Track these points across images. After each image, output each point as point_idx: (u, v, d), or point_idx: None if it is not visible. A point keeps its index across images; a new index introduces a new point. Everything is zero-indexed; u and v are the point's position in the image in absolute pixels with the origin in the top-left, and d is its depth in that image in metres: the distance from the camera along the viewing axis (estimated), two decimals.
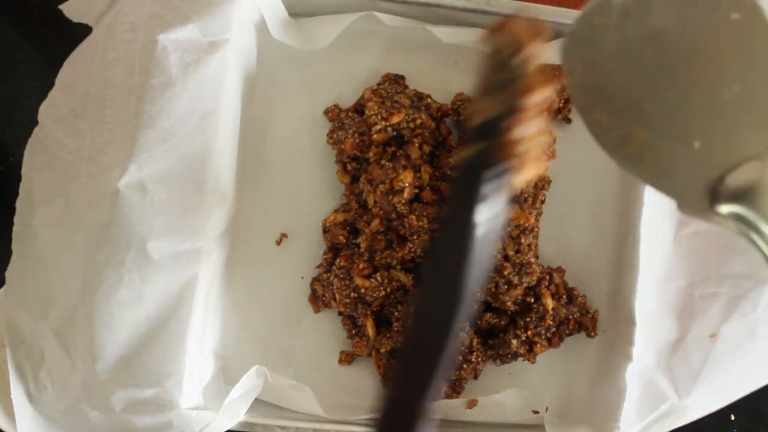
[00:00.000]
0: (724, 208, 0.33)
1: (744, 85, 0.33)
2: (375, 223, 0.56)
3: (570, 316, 0.58)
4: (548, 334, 0.58)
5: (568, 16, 0.57)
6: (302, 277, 0.60)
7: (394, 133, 0.58)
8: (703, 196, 0.34)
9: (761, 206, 0.32)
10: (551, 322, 0.57)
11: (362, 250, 0.57)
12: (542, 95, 0.37)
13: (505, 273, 0.55)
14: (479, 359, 0.57)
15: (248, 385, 0.55)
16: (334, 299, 0.58)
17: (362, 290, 0.56)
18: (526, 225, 0.56)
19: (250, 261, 0.59)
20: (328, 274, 0.58)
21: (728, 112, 0.33)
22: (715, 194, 0.33)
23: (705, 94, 0.34)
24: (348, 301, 0.57)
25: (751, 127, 0.33)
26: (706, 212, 0.34)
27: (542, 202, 0.58)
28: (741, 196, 0.32)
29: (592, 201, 0.61)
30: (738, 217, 0.33)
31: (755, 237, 0.32)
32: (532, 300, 0.57)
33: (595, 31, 0.37)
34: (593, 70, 0.38)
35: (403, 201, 0.55)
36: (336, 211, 0.59)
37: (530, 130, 0.37)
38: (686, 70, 0.35)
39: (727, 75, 0.33)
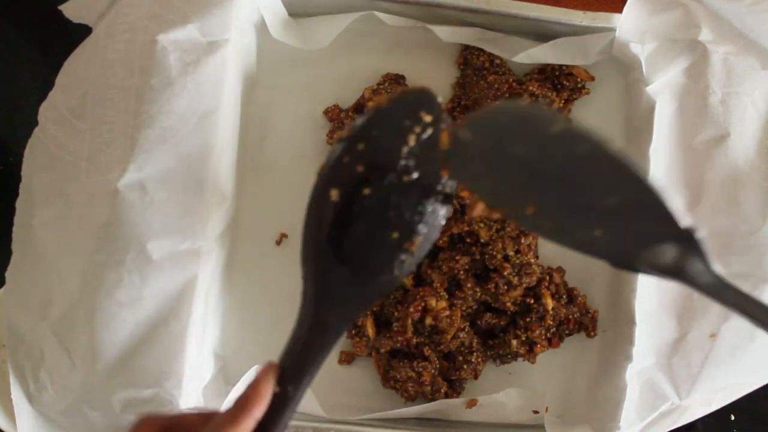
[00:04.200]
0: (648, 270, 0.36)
1: (619, 196, 0.36)
2: None
3: (570, 316, 0.58)
4: (548, 334, 0.58)
5: (568, 16, 0.57)
6: (303, 278, 0.60)
7: None
8: (627, 261, 0.37)
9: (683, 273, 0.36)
10: (551, 322, 0.57)
11: None
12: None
13: (505, 273, 0.55)
14: (479, 359, 0.57)
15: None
16: None
17: None
18: None
19: (250, 261, 0.59)
20: None
21: (614, 213, 0.37)
22: (641, 262, 0.36)
23: (585, 201, 0.37)
24: None
25: (644, 219, 0.36)
26: (634, 272, 0.37)
27: None
28: (661, 267, 0.36)
29: None
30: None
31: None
32: (532, 300, 0.57)
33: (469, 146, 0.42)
34: (482, 165, 0.41)
35: None
36: None
37: None
38: (559, 185, 0.38)
39: (598, 189, 0.37)
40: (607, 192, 0.37)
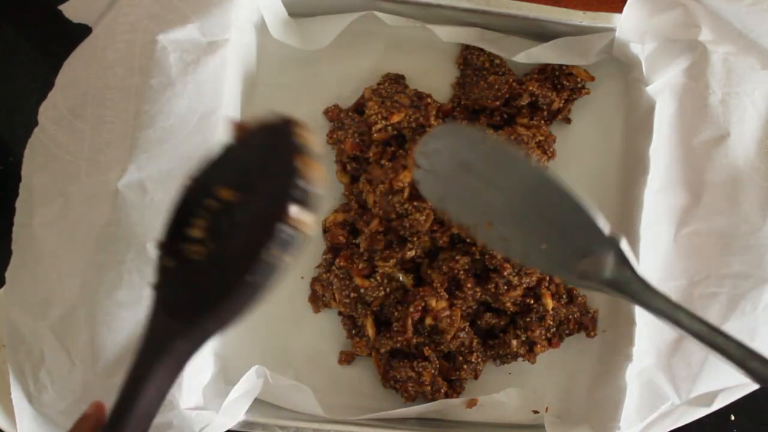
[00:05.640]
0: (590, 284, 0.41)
1: (554, 214, 0.42)
2: (374, 223, 0.56)
3: (570, 316, 0.58)
4: (548, 334, 0.58)
5: (568, 15, 0.57)
6: (302, 277, 0.60)
7: (395, 132, 0.58)
8: (569, 273, 0.41)
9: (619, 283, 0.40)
10: (551, 322, 0.57)
11: (362, 250, 0.57)
12: None
13: (505, 274, 0.55)
14: (479, 359, 0.57)
15: (248, 385, 0.55)
16: (334, 299, 0.58)
17: (362, 290, 0.56)
18: None
19: None
20: (328, 274, 0.58)
21: (553, 228, 0.42)
22: (579, 274, 0.41)
23: (529, 218, 0.43)
24: (348, 301, 0.57)
25: (580, 233, 0.41)
26: (578, 285, 0.42)
27: None
28: (595, 276, 0.40)
29: (591, 201, 0.60)
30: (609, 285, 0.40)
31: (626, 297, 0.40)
32: (532, 301, 0.57)
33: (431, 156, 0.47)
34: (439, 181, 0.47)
35: (403, 201, 0.55)
36: (336, 211, 0.59)
37: None
38: (507, 205, 0.43)
39: (539, 208, 0.42)
40: (546, 211, 0.42)
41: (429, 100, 0.59)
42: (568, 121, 0.61)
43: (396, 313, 0.57)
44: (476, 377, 0.58)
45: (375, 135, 0.57)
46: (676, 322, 0.39)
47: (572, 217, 0.41)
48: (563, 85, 0.60)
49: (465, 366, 0.57)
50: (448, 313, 0.55)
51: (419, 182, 0.47)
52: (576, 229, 0.41)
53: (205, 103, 0.52)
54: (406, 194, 0.55)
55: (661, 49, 0.56)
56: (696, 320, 0.38)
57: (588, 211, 0.41)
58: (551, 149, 0.59)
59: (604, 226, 0.40)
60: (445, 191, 0.46)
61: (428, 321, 0.56)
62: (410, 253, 0.56)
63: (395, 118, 0.57)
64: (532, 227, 0.43)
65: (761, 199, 0.54)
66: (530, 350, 0.57)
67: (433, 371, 0.56)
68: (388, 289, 0.56)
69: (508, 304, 0.57)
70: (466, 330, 0.57)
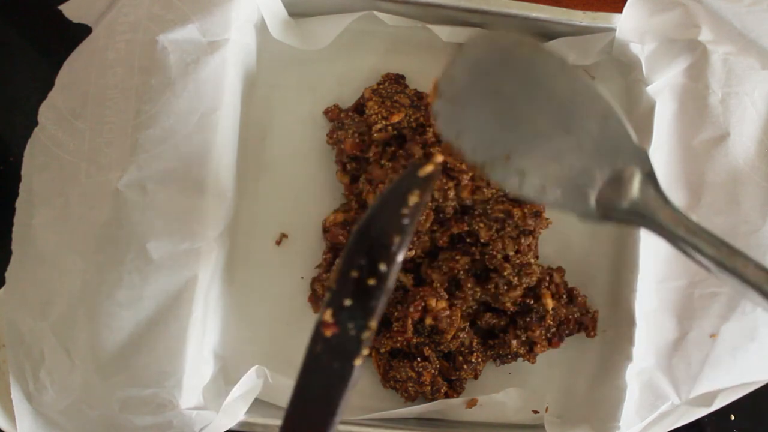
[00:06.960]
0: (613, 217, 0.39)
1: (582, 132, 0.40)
2: None
3: (570, 316, 0.58)
4: (548, 334, 0.58)
5: (568, 15, 0.57)
6: (302, 277, 0.60)
7: (395, 132, 0.58)
8: (593, 212, 0.39)
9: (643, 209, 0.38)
10: (551, 322, 0.57)
11: None
12: None
13: (505, 274, 0.55)
14: (479, 359, 0.57)
15: (248, 385, 0.55)
16: None
17: None
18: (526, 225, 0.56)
19: (250, 261, 0.59)
20: (328, 274, 0.58)
21: (584, 137, 0.40)
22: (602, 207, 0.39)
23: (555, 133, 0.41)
24: None
25: (609, 141, 0.40)
26: (600, 222, 0.40)
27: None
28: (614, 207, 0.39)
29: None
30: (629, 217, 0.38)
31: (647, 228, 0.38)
32: (532, 301, 0.57)
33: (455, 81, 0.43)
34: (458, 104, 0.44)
35: None
36: (336, 211, 0.59)
37: None
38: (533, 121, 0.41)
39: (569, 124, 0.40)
40: (579, 119, 0.40)
41: (429, 100, 0.59)
42: None
43: (396, 313, 0.57)
44: (476, 377, 0.58)
45: (375, 135, 0.57)
46: (707, 258, 0.37)
47: (602, 123, 0.39)
48: None
49: (465, 366, 0.57)
50: (448, 313, 0.55)
51: (437, 116, 0.44)
52: (605, 135, 0.39)
53: (205, 102, 0.52)
54: None
55: (661, 49, 0.56)
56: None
57: (620, 117, 0.39)
58: None
59: (634, 135, 0.39)
60: (462, 124, 0.44)
61: (428, 321, 0.56)
62: (410, 253, 0.56)
63: (395, 118, 0.57)
64: (559, 146, 0.40)
65: (761, 199, 0.54)
66: (530, 350, 0.57)
67: (433, 371, 0.56)
68: None
69: (508, 304, 0.57)
70: (466, 330, 0.57)
